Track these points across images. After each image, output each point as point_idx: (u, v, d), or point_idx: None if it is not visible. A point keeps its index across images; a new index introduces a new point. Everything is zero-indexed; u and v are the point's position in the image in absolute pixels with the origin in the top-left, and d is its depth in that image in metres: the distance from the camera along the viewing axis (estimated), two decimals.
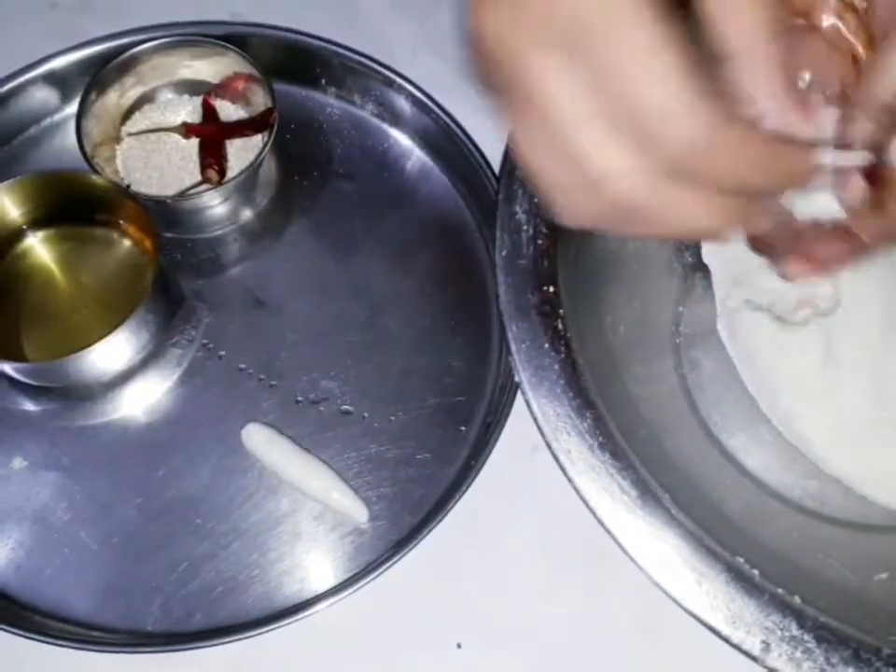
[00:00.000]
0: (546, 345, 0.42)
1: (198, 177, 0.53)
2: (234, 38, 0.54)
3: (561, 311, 0.43)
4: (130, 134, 0.55)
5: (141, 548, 0.47)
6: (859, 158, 0.32)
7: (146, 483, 0.48)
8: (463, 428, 0.50)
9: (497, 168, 0.52)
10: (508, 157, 0.46)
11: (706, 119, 0.27)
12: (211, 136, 0.54)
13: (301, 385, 0.51)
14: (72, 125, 0.52)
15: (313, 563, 0.47)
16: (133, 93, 0.55)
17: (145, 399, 0.50)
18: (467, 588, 0.46)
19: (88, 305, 0.51)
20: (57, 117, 0.57)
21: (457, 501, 0.46)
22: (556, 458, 0.41)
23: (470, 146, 0.54)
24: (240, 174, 0.51)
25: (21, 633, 0.44)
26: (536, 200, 0.45)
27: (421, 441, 0.49)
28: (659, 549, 0.39)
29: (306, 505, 0.48)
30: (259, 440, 0.48)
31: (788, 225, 0.34)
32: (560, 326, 0.43)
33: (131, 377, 0.51)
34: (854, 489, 0.45)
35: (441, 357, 0.52)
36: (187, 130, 0.54)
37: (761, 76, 0.30)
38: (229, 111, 0.56)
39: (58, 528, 0.47)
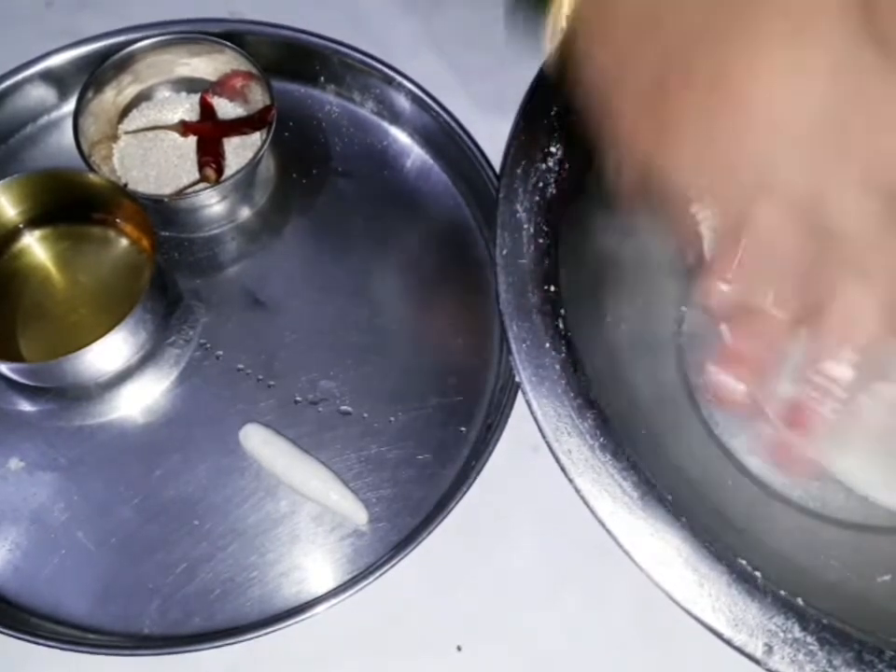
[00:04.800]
0: (547, 345, 0.42)
1: (195, 176, 0.53)
2: (232, 36, 0.54)
3: (562, 310, 0.43)
4: (127, 133, 0.54)
5: (138, 549, 0.47)
6: None
7: (143, 483, 0.48)
8: (463, 429, 0.50)
9: (497, 166, 0.52)
10: (508, 155, 0.46)
11: None
12: (209, 134, 0.54)
13: (299, 386, 0.50)
14: (69, 123, 0.51)
15: (311, 565, 0.47)
16: (131, 91, 0.55)
17: (142, 399, 0.50)
18: (467, 590, 0.46)
19: (85, 305, 0.51)
20: (54, 115, 0.56)
21: (457, 502, 0.46)
22: (557, 459, 0.40)
23: (470, 144, 0.54)
24: (238, 172, 0.51)
25: (17, 635, 0.43)
26: (537, 198, 0.45)
27: (421, 442, 0.49)
28: (660, 550, 0.39)
29: (305, 506, 0.48)
30: (258, 440, 0.48)
31: None
32: (561, 325, 0.42)
33: (128, 377, 0.50)
34: (856, 490, 0.45)
35: (441, 357, 0.51)
36: (184, 128, 0.54)
37: None
38: (227, 109, 0.55)
39: (55, 529, 0.47)
